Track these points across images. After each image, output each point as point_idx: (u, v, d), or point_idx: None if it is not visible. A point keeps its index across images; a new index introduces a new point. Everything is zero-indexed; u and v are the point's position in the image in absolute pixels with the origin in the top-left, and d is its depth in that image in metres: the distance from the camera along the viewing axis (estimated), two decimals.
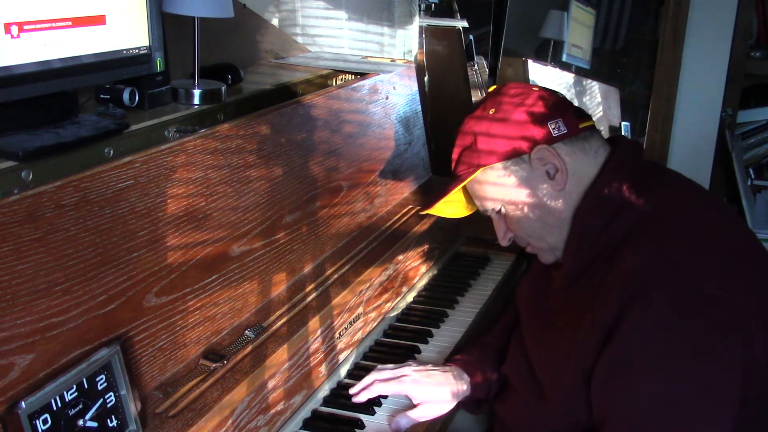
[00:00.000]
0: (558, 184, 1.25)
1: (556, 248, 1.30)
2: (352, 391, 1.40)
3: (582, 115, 1.30)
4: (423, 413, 1.37)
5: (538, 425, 1.33)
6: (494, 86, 1.36)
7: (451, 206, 1.46)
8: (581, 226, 1.24)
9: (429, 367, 1.44)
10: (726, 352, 1.08)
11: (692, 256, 1.12)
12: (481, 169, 1.29)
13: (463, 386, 1.42)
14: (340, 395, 1.42)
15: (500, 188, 1.29)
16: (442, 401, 1.39)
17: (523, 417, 1.37)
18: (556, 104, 1.28)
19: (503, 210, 1.32)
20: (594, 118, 1.34)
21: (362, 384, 1.41)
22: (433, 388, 1.39)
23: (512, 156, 1.26)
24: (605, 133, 1.38)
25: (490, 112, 1.29)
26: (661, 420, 1.07)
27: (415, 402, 1.38)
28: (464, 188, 1.39)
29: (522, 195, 1.27)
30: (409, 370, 1.41)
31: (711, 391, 1.07)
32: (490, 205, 1.33)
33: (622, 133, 3.33)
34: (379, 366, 1.45)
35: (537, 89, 1.31)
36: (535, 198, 1.27)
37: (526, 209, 1.28)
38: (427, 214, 1.51)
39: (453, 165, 1.35)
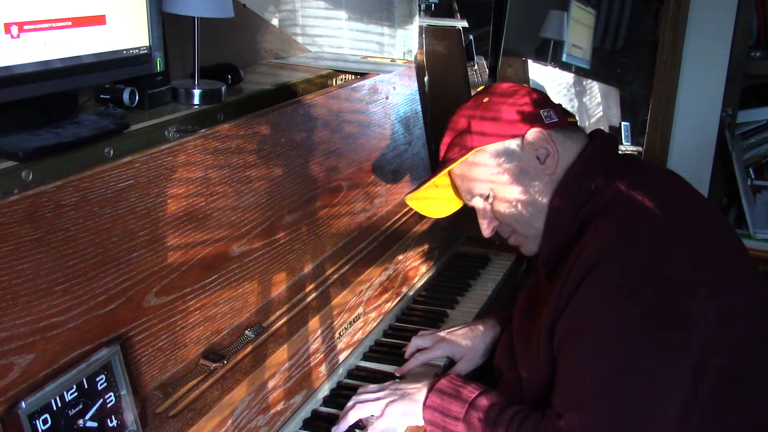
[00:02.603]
0: (548, 168, 1.29)
1: (538, 236, 1.32)
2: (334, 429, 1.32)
3: (567, 112, 1.36)
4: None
5: None
6: (482, 86, 1.41)
7: (435, 203, 1.48)
8: (555, 213, 1.28)
9: (408, 387, 1.36)
10: (675, 330, 1.10)
11: (653, 234, 1.15)
12: (474, 150, 1.31)
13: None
14: (340, 395, 1.42)
15: (492, 171, 1.31)
16: (412, 415, 1.33)
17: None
18: (545, 98, 1.35)
19: (491, 196, 1.33)
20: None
21: (343, 415, 1.34)
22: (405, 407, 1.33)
23: (506, 138, 1.30)
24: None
25: (484, 101, 1.34)
26: (600, 386, 1.11)
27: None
28: (452, 184, 1.42)
29: (513, 178, 1.30)
30: (386, 395, 1.34)
31: (654, 365, 1.10)
32: (478, 190, 1.35)
33: (622, 133, 3.33)
34: (360, 389, 1.38)
35: (527, 86, 1.38)
36: (525, 181, 1.30)
37: (515, 193, 1.31)
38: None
39: (443, 151, 1.38)
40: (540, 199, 1.29)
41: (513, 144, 1.29)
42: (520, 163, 1.29)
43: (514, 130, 1.29)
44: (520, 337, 1.37)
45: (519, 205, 1.31)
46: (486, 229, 1.38)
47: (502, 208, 1.33)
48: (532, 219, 1.31)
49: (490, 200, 1.34)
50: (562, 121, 1.31)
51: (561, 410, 1.15)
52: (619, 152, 1.36)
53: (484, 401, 1.26)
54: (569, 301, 1.16)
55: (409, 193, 1.46)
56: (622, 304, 1.12)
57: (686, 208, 1.25)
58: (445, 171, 1.36)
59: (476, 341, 1.53)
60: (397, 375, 1.49)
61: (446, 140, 1.37)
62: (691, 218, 1.22)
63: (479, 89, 1.42)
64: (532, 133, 1.28)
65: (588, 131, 1.37)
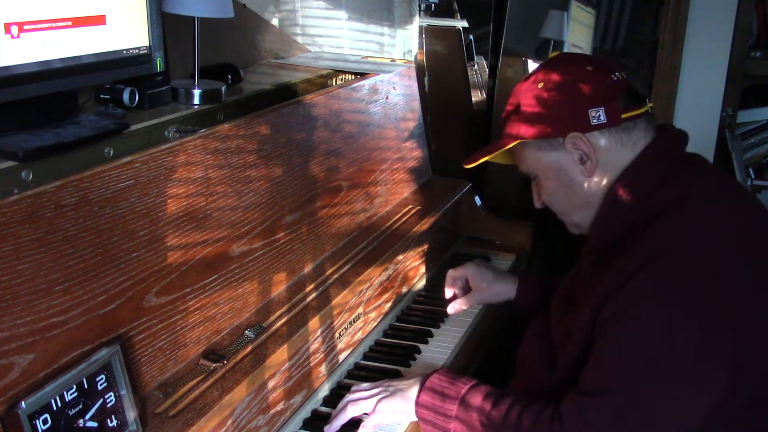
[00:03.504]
0: (587, 170, 1.30)
1: (579, 226, 1.37)
2: (327, 428, 1.32)
3: (634, 101, 1.29)
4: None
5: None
6: (556, 52, 1.39)
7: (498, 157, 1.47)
8: (609, 209, 1.29)
9: (400, 383, 1.37)
10: (716, 332, 1.12)
11: (713, 237, 1.17)
12: (518, 141, 1.34)
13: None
14: (340, 395, 1.42)
15: (534, 161, 1.35)
16: (404, 413, 1.34)
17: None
18: (604, 89, 1.28)
19: (536, 179, 1.38)
20: None
21: (336, 413, 1.34)
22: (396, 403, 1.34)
23: (548, 136, 1.31)
24: None
25: (539, 86, 1.32)
26: (634, 374, 1.13)
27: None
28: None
29: (552, 173, 1.34)
30: (378, 392, 1.35)
31: (691, 362, 1.11)
32: (525, 170, 1.40)
33: None
34: (354, 387, 1.39)
35: (591, 68, 1.31)
36: (564, 179, 1.33)
37: (554, 186, 1.35)
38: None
39: (503, 116, 1.40)
40: (579, 196, 1.32)
41: (554, 142, 1.31)
42: (560, 161, 1.32)
43: (556, 128, 1.29)
44: (558, 324, 1.38)
45: (557, 197, 1.36)
46: (536, 202, 1.43)
47: (544, 193, 1.38)
48: (570, 211, 1.36)
49: (536, 181, 1.39)
50: (613, 121, 1.26)
51: (585, 390, 1.17)
52: (685, 151, 1.32)
53: (476, 394, 1.27)
54: (623, 285, 1.16)
55: (467, 162, 1.45)
56: (670, 302, 1.13)
57: (746, 211, 1.25)
58: (495, 154, 1.39)
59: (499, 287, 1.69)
60: (451, 312, 1.69)
61: (504, 114, 1.39)
62: (752, 223, 1.23)
63: (553, 54, 1.40)
64: (572, 136, 1.28)
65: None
